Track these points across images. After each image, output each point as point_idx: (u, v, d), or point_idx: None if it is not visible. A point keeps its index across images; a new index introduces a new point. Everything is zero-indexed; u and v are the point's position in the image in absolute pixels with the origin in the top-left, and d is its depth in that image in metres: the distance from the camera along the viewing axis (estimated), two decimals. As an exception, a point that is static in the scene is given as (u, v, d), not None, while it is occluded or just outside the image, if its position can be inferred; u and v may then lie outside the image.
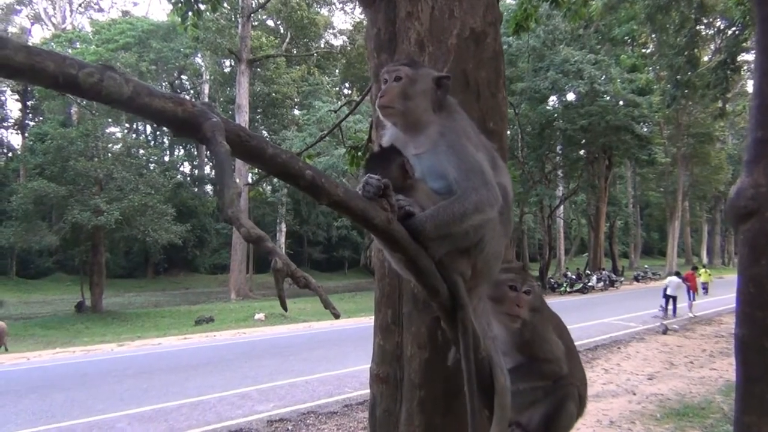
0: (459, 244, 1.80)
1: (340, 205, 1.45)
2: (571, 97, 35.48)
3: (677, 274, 22.81)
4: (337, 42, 51.53)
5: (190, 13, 8.81)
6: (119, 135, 35.70)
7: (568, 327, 2.49)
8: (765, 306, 2.23)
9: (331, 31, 52.85)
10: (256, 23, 44.30)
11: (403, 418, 2.73)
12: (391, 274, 2.84)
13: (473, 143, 1.90)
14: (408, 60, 2.11)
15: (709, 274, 28.52)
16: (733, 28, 19.71)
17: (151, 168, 35.29)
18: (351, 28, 48.94)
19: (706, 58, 25.94)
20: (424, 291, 1.82)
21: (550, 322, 2.39)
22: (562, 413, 2.33)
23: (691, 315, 20.63)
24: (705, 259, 60.10)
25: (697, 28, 21.15)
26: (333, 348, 15.15)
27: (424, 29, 2.80)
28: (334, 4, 49.05)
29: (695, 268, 25.10)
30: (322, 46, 50.11)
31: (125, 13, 49.18)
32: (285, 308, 1.21)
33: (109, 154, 30.13)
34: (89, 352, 16.58)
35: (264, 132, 52.57)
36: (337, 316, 1.20)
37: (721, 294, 23.91)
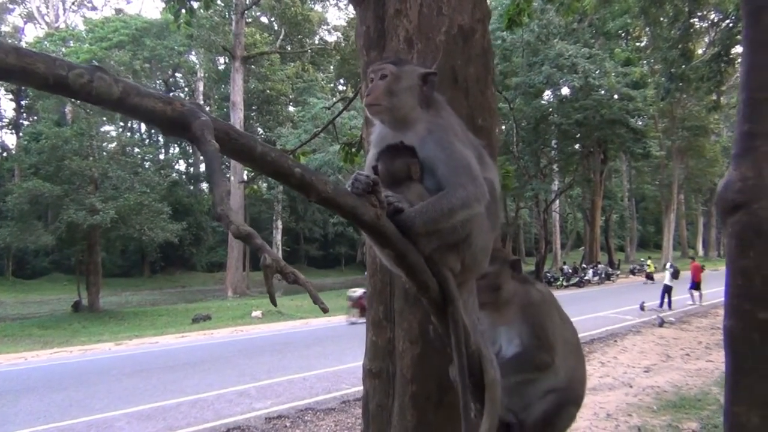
0: (448, 239, 1.82)
1: (330, 202, 1.47)
2: (565, 91, 35.55)
3: (665, 265, 23.26)
4: (332, 38, 51.45)
5: (182, 11, 8.79)
6: (114, 134, 35.66)
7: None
8: (753, 298, 2.25)
9: (325, 27, 52.77)
10: (249, 20, 44.17)
11: (395, 412, 2.75)
12: (383, 270, 2.87)
13: (460, 140, 1.92)
14: (394, 58, 2.13)
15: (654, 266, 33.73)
16: (727, 21, 19.73)
17: (146, 166, 35.14)
18: (345, 24, 48.81)
19: (700, 51, 25.88)
20: (414, 286, 1.84)
21: (555, 310, 2.43)
22: (563, 414, 2.35)
23: (697, 304, 20.99)
24: (701, 251, 60.27)
25: (691, 21, 21.14)
26: (330, 344, 15.17)
27: (412, 26, 2.82)
28: (328, 0, 48.98)
29: (692, 258, 26.08)
30: (317, 42, 49.98)
31: (118, 11, 48.89)
32: (275, 303, 1.23)
33: (104, 153, 30.07)
34: (87, 352, 16.59)
35: (259, 129, 52.47)
36: (325, 311, 1.22)
37: (716, 286, 23.99)
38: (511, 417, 2.28)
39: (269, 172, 1.36)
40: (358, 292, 18.81)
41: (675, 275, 21.19)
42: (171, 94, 48.47)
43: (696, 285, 21.86)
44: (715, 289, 23.55)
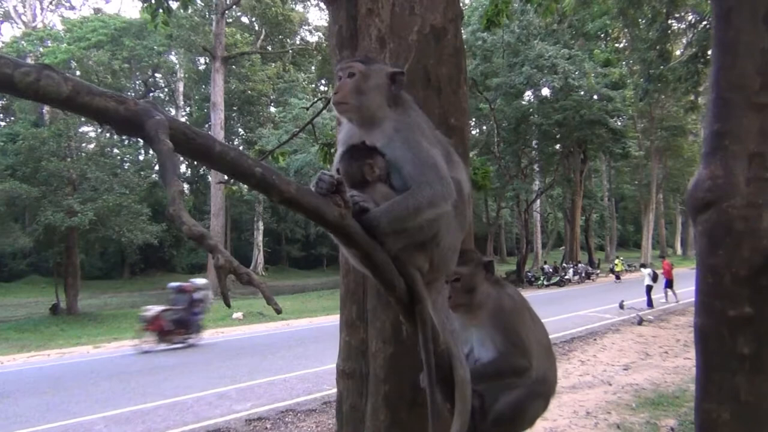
0: (414, 238, 1.82)
1: (292, 202, 1.45)
2: (545, 91, 35.83)
3: (642, 266, 23.68)
4: (313, 38, 51.26)
5: (160, 11, 8.71)
6: (93, 134, 35.25)
7: (546, 320, 2.53)
8: (723, 295, 2.27)
9: (306, 27, 52.62)
10: (230, 20, 43.94)
11: (368, 412, 2.75)
12: (356, 270, 2.86)
13: (428, 138, 1.92)
14: (362, 56, 2.13)
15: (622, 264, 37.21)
16: (704, 22, 19.97)
17: (126, 167, 34.83)
18: (326, 24, 48.65)
19: (678, 52, 26.21)
20: (381, 286, 1.83)
21: (527, 313, 2.43)
22: (529, 406, 2.34)
23: (673, 302, 21.35)
24: (679, 250, 60.96)
25: (669, 22, 21.39)
26: (312, 345, 15.14)
27: (384, 26, 2.82)
28: (309, 0, 48.87)
29: (663, 257, 27.01)
30: (298, 42, 49.82)
31: (97, 10, 48.19)
32: (228, 305, 1.22)
33: (83, 154, 29.70)
34: (64, 355, 16.40)
35: (240, 130, 52.20)
36: (278, 312, 1.21)
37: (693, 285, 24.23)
38: (476, 402, 2.26)
39: (229, 171, 1.35)
40: (153, 310, 15.85)
41: (654, 278, 21.54)
42: (151, 94, 47.72)
43: (669, 283, 22.43)
44: (693, 287, 23.89)
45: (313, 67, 53.13)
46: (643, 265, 24.09)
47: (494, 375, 2.28)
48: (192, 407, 9.68)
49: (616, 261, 37.93)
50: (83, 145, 31.15)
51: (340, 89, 1.96)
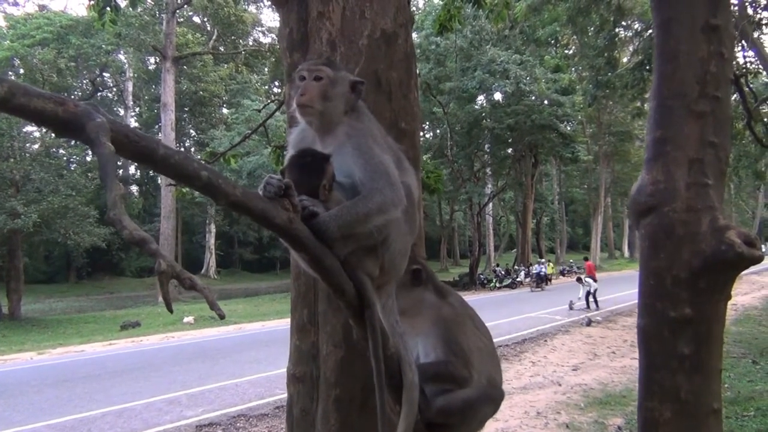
0: (364, 243, 1.83)
1: (239, 206, 1.44)
2: (498, 96, 36.29)
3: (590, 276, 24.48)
4: (266, 40, 50.89)
5: (107, 9, 8.51)
6: (37, 134, 34.26)
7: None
8: (664, 297, 2.32)
9: (259, 28, 52.25)
10: (181, 20, 43.29)
11: (319, 416, 2.74)
12: (306, 274, 2.85)
13: (379, 144, 1.93)
14: (327, 60, 2.12)
15: (552, 267, 37.72)
16: (650, 31, 20.50)
17: (72, 168, 33.90)
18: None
19: (625, 59, 26.84)
20: (331, 290, 1.83)
21: (469, 320, 2.44)
22: (481, 409, 2.34)
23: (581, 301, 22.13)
24: (627, 253, 62.48)
25: (616, 30, 21.87)
26: (264, 349, 14.99)
27: (335, 29, 2.82)
28: (262, 1, 48.50)
29: (586, 258, 28.07)
30: (250, 43, 49.40)
31: (42, 7, 46.85)
32: (170, 310, 1.20)
33: (27, 155, 28.90)
34: (6, 362, 15.85)
35: (192, 131, 51.40)
36: (221, 317, 1.20)
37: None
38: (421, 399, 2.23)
39: (174, 175, 1.33)
40: None
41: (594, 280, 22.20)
42: (99, 94, 46.28)
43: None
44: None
45: (266, 69, 52.75)
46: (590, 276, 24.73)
47: (433, 376, 2.27)
48: (141, 414, 9.47)
49: (549, 264, 38.56)
50: (27, 145, 30.30)
51: (306, 91, 1.94)
